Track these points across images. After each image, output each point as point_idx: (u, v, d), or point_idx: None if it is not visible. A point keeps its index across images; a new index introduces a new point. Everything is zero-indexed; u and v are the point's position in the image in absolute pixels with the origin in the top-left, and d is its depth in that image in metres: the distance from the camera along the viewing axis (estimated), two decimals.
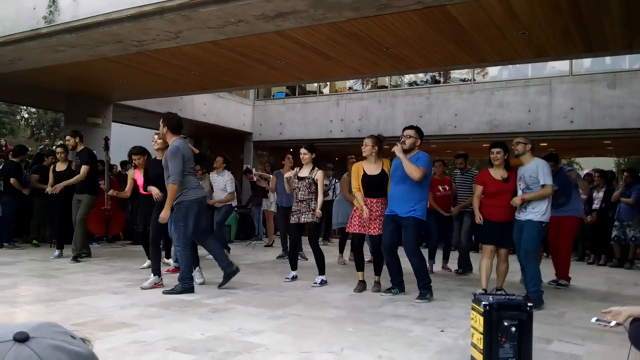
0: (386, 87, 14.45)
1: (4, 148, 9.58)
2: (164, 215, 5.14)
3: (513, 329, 2.81)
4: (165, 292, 5.07)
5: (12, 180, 8.53)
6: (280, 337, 3.61)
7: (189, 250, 5.26)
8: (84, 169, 7.29)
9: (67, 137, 7.60)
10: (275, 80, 10.92)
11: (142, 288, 5.28)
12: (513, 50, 7.52)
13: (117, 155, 11.57)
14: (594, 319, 2.69)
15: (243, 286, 5.65)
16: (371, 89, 14.97)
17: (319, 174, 6.00)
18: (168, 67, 8.85)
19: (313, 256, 6.04)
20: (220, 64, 8.61)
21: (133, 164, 6.96)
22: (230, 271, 5.43)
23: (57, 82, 10.24)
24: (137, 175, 6.77)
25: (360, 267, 5.71)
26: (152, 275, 5.44)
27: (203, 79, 9.92)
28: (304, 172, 6.07)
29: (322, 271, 5.98)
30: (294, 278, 6.14)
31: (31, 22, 7.19)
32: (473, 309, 2.99)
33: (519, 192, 5.07)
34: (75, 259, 7.12)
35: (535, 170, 4.98)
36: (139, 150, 6.77)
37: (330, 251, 8.10)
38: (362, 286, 5.62)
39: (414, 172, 4.99)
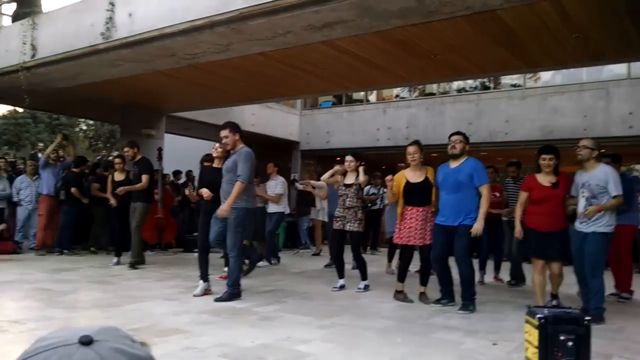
0: (434, 94, 14.29)
1: (61, 159, 10.01)
2: (223, 213, 5.17)
3: (570, 343, 2.71)
4: (216, 300, 5.16)
5: (73, 189, 8.93)
6: (328, 346, 3.61)
7: (242, 256, 5.37)
8: (145, 177, 7.57)
9: (126, 148, 7.88)
10: (322, 90, 11.01)
11: (194, 295, 5.40)
12: (567, 54, 7.29)
13: (169, 165, 11.93)
14: None
15: (292, 295, 5.68)
16: (419, 96, 14.85)
17: (362, 177, 5.98)
18: (218, 78, 9.07)
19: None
20: (268, 74, 8.76)
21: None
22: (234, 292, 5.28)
23: (114, 95, 10.66)
24: None
25: (401, 277, 5.59)
26: (200, 282, 5.55)
27: (251, 90, 10.10)
28: (349, 179, 6.06)
29: (364, 277, 6.06)
30: (342, 287, 6.11)
31: (90, 39, 7.53)
32: (527, 322, 2.90)
33: (581, 201, 4.75)
34: (133, 265, 7.38)
35: (604, 179, 4.64)
36: (208, 158, 6.85)
37: (377, 260, 8.05)
38: (401, 296, 5.51)
39: (487, 202, 5.00)
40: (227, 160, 5.45)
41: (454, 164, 5.20)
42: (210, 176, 5.89)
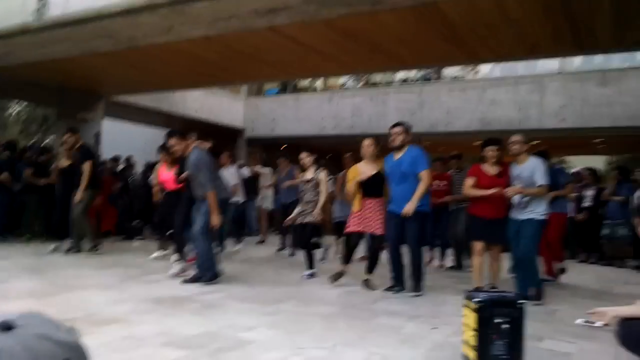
0: (378, 84, 14.45)
1: None
2: (215, 222, 5.47)
3: (505, 326, 2.83)
4: (185, 281, 5.43)
5: (2, 176, 8.46)
6: (273, 332, 3.61)
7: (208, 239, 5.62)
8: (86, 165, 7.36)
9: (68, 135, 7.63)
10: (267, 77, 10.90)
11: (171, 274, 5.78)
12: (505, 47, 7.53)
13: (110, 151, 11.51)
14: (580, 320, 2.72)
15: (236, 282, 5.64)
16: (363, 86, 14.98)
17: (321, 175, 6.21)
18: (160, 62, 8.79)
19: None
20: (212, 59, 8.56)
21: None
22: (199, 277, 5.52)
23: (48, 77, 10.14)
24: (161, 171, 7.08)
25: (346, 260, 5.74)
26: (175, 263, 5.99)
27: (195, 75, 9.86)
28: (308, 174, 6.28)
29: (311, 265, 6.29)
30: (313, 275, 6.25)
31: (22, 17, 7.10)
32: (465, 305, 3.00)
33: None
34: (69, 251, 7.33)
35: (532, 170, 4.98)
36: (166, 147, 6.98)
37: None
38: (338, 275, 5.68)
39: (425, 187, 5.18)
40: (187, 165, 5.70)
41: (397, 155, 5.39)
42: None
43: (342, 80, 15.25)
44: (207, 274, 5.46)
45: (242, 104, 15.78)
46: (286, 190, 8.41)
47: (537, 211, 4.98)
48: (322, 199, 6.16)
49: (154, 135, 16.14)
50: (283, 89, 15.87)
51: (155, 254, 7.07)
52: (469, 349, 2.90)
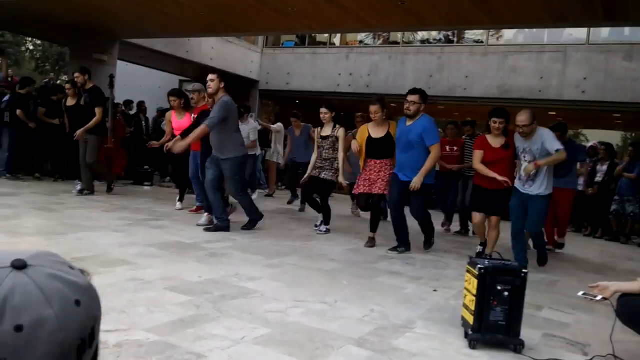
0: (398, 43, 14.16)
1: (9, 79, 9.45)
2: (180, 148, 5.62)
3: (506, 293, 2.84)
4: (206, 229, 5.64)
5: (18, 112, 8.49)
6: (275, 284, 3.67)
7: (247, 196, 6.02)
8: (98, 111, 7.35)
9: (76, 74, 7.53)
10: (285, 28, 10.70)
11: (198, 225, 5.89)
12: (531, 13, 7.31)
13: (121, 94, 11.47)
14: (580, 293, 2.73)
15: (242, 234, 5.70)
16: (382, 44, 14.68)
17: (340, 132, 6.11)
18: (177, 6, 8.64)
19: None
20: (231, 6, 8.40)
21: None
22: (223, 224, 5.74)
23: (64, 15, 10.02)
24: (173, 118, 7.00)
25: (373, 227, 5.67)
26: (205, 214, 6.14)
27: (212, 22, 9.70)
28: (326, 131, 6.20)
29: (327, 222, 6.27)
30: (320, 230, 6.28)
31: None
32: (468, 271, 3.02)
33: (524, 164, 4.89)
34: (82, 192, 7.43)
35: (542, 141, 4.75)
36: (175, 92, 7.07)
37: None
38: (372, 242, 5.64)
39: (434, 161, 5.19)
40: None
41: (408, 123, 5.28)
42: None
43: (360, 37, 14.94)
44: (224, 223, 5.70)
45: (258, 55, 15.57)
46: (302, 150, 8.45)
47: (544, 186, 4.86)
48: (341, 155, 6.08)
49: (167, 80, 16.07)
50: (301, 42, 15.60)
51: (178, 205, 7.12)
52: (467, 314, 2.94)
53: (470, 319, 2.88)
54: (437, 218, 6.62)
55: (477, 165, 5.23)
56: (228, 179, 5.68)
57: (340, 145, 6.10)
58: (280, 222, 6.86)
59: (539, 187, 4.85)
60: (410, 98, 5.24)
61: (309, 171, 6.39)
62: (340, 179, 6.13)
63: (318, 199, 6.45)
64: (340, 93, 14.22)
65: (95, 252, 4.13)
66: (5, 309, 0.53)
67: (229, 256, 4.48)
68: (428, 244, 5.60)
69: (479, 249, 5.63)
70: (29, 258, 0.59)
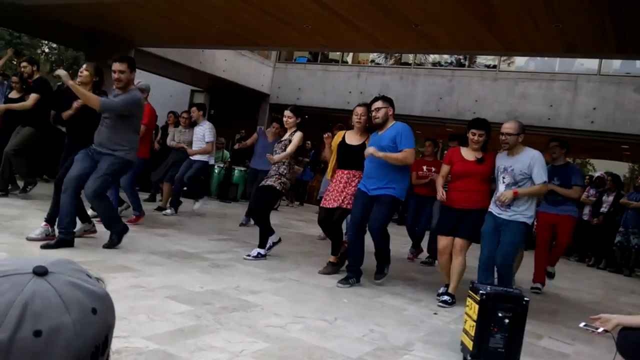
0: (409, 64, 14.26)
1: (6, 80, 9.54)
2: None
3: (506, 320, 2.84)
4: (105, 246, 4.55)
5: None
6: (276, 299, 3.67)
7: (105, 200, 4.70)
8: (32, 97, 6.59)
9: (24, 64, 6.90)
10: (298, 44, 10.81)
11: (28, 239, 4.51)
12: (544, 42, 7.37)
13: None
14: (582, 324, 2.72)
15: (245, 246, 5.71)
16: (394, 64, 14.79)
17: (296, 135, 5.29)
18: (193, 17, 8.76)
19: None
20: (246, 20, 8.51)
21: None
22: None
23: (79, 20, 10.18)
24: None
25: (335, 250, 5.02)
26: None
27: (226, 34, 9.82)
28: (286, 135, 5.46)
29: (262, 244, 5.19)
30: (271, 245, 5.37)
31: None
32: (469, 296, 3.02)
33: (501, 187, 4.25)
34: (24, 189, 6.73)
35: (529, 165, 4.14)
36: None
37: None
38: (329, 268, 4.96)
39: (401, 160, 4.47)
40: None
41: (380, 132, 4.71)
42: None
43: (372, 56, 15.06)
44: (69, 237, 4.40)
45: (270, 69, 15.72)
46: (261, 157, 7.26)
47: (524, 212, 4.17)
48: (284, 154, 5.18)
49: (179, 90, 16.22)
50: (314, 59, 15.74)
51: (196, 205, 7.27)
52: (467, 339, 2.93)
53: (470, 345, 2.87)
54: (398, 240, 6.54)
55: (439, 177, 4.66)
56: (98, 176, 4.42)
57: (291, 146, 5.21)
58: (284, 237, 6.86)
59: (517, 212, 4.17)
60: (375, 105, 4.67)
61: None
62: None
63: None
64: (350, 110, 14.21)
65: (98, 257, 4.15)
66: (26, 314, 0.55)
67: (232, 268, 4.49)
68: (380, 273, 4.73)
69: (442, 289, 4.58)
70: (50, 265, 0.61)
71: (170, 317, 2.91)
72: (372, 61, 15.16)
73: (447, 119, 12.33)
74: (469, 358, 2.84)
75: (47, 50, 29.31)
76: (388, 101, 4.72)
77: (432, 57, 14.18)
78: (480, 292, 2.87)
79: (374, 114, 4.66)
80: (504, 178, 4.25)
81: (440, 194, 4.43)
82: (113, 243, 4.55)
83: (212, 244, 5.54)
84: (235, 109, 16.16)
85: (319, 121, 14.39)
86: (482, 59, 13.48)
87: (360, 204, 4.60)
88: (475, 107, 12.63)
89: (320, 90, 14.85)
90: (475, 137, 4.42)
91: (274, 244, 5.37)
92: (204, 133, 7.48)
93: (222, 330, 2.82)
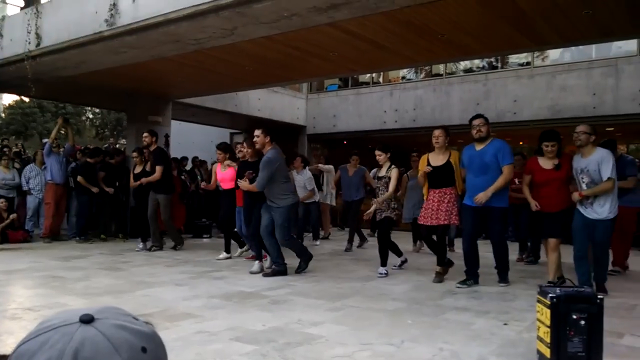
0: (441, 75, 14.14)
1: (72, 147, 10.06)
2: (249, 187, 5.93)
3: (582, 322, 2.70)
4: (265, 275, 5.84)
5: (79, 178, 9.01)
6: (339, 328, 3.62)
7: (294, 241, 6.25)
8: (158, 169, 7.84)
9: (145, 134, 8.11)
10: (328, 73, 10.91)
11: (251, 272, 6.02)
12: (576, 30, 7.16)
13: (177, 151, 11.94)
14: None
15: (301, 278, 5.71)
16: (425, 77, 14.70)
17: (393, 172, 6.05)
18: (224, 64, 9.00)
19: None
20: (274, 58, 8.68)
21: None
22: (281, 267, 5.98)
23: (119, 83, 10.63)
24: (217, 169, 7.37)
25: (440, 261, 5.63)
26: (256, 262, 6.21)
27: (258, 74, 10.03)
28: (382, 172, 6.19)
29: (384, 263, 6.06)
30: (386, 274, 5.98)
31: (94, 26, 7.48)
32: (539, 301, 2.89)
33: (582, 186, 4.81)
34: (150, 249, 7.97)
35: (599, 163, 4.68)
36: (222, 146, 7.37)
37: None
38: (439, 277, 5.58)
39: (505, 180, 5.11)
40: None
41: (479, 147, 5.31)
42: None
43: (403, 72, 15.03)
44: (281, 267, 5.92)
45: (304, 101, 15.91)
46: (354, 191, 8.54)
47: (607, 209, 4.72)
48: (389, 192, 5.96)
49: (219, 134, 16.61)
50: (344, 85, 15.85)
51: (221, 256, 7.23)
52: (543, 346, 2.80)
53: (547, 352, 2.74)
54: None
55: (524, 188, 5.20)
56: (277, 226, 5.84)
57: (391, 184, 5.97)
58: (338, 264, 6.82)
59: (602, 211, 4.73)
60: (476, 122, 5.32)
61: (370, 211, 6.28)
62: (379, 201, 5.99)
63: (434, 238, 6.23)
64: (387, 130, 14.24)
65: (161, 307, 4.22)
66: None
67: (291, 302, 4.48)
68: (502, 278, 5.37)
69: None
70: (96, 312, 0.63)
71: (237, 359, 2.91)
72: (403, 77, 15.12)
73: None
74: None
75: (90, 115, 30.73)
76: (486, 119, 5.37)
77: (464, 64, 14.02)
78: (550, 295, 2.75)
79: (477, 129, 5.28)
80: (582, 179, 4.78)
81: (534, 205, 5.02)
82: (303, 268, 6.03)
83: (268, 280, 5.56)
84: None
85: (358, 144, 14.38)
86: (515, 58, 13.21)
87: (470, 216, 5.25)
88: (514, 107, 12.35)
89: (355, 114, 14.89)
90: (549, 148, 4.97)
91: (403, 263, 6.53)
92: (304, 182, 8.73)
93: None
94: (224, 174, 7.18)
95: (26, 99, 25.13)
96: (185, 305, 4.30)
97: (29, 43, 8.29)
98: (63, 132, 10.32)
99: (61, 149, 9.59)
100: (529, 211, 5.33)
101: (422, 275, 5.77)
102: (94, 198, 9.24)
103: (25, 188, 9.28)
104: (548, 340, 2.73)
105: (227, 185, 7.13)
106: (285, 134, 15.79)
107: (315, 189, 9.10)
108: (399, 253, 6.43)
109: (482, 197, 5.07)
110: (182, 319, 3.82)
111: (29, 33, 8.28)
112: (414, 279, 5.68)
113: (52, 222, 8.99)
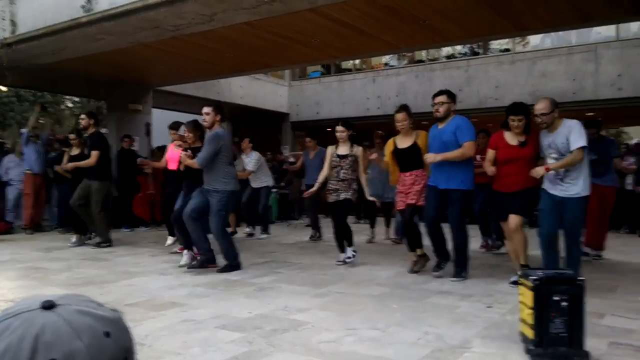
0: (423, 61, 14.16)
1: (51, 137, 9.88)
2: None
3: (564, 303, 2.74)
4: (190, 267, 5.38)
5: (56, 167, 8.79)
6: (325, 314, 3.64)
7: (227, 235, 5.54)
8: (93, 154, 7.11)
9: (82, 116, 7.51)
10: (310, 59, 10.84)
11: (180, 266, 5.53)
12: (555, 15, 7.21)
13: (158, 140, 11.80)
14: None
15: (286, 265, 5.71)
16: (408, 64, 14.71)
17: (359, 150, 5.75)
18: (204, 50, 8.90)
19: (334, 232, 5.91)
20: (255, 45, 8.60)
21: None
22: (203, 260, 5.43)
23: (98, 71, 10.45)
24: (170, 149, 6.85)
25: (412, 244, 5.32)
26: (185, 251, 5.73)
27: (238, 61, 9.94)
28: (343, 150, 5.78)
29: (350, 243, 5.82)
30: (345, 261, 5.77)
31: (70, 12, 7.33)
32: (521, 284, 2.93)
33: (549, 161, 4.32)
34: (99, 245, 7.18)
35: (567, 134, 4.18)
36: (174, 125, 6.96)
37: (361, 231, 8.06)
38: (418, 264, 5.27)
39: (460, 156, 4.72)
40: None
41: (440, 125, 4.99)
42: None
43: (385, 59, 15.01)
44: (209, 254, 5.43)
45: (286, 88, 15.82)
46: (316, 173, 8.05)
47: (580, 185, 4.20)
48: (362, 175, 5.74)
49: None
50: (327, 72, 15.79)
51: (169, 242, 7.06)
52: (526, 328, 2.84)
53: (530, 333, 2.78)
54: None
55: (485, 164, 4.77)
56: (213, 214, 5.27)
57: (361, 165, 5.74)
58: (323, 251, 6.84)
59: (574, 189, 4.21)
60: (436, 99, 4.96)
61: (314, 188, 6.10)
62: (367, 196, 5.82)
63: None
64: (370, 116, 14.25)
65: (146, 296, 4.20)
66: (38, 346, 0.57)
67: (277, 289, 4.48)
68: (458, 273, 4.88)
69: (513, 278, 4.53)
70: (57, 299, 0.63)
71: (223, 347, 2.91)
72: (386, 64, 15.10)
73: (470, 110, 12.10)
74: (531, 347, 2.75)
75: (70, 104, 30.20)
76: (451, 96, 5.01)
77: (446, 51, 14.04)
78: (532, 277, 2.78)
79: (435, 107, 4.94)
80: (550, 154, 4.32)
81: (490, 170, 4.65)
82: (225, 270, 5.29)
83: (254, 268, 5.55)
84: (258, 133, 16.29)
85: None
86: (497, 44, 13.27)
87: (433, 199, 4.94)
88: (496, 93, 12.43)
89: (338, 102, 14.86)
90: (515, 123, 4.53)
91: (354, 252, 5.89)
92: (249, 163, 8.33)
93: (276, 353, 2.81)
94: (173, 154, 6.54)
95: (3, 88, 24.57)
96: (170, 294, 4.28)
97: (4, 30, 8.10)
98: (42, 122, 10.10)
99: (39, 140, 9.42)
100: (488, 190, 5.07)
101: (407, 261, 5.80)
102: (75, 188, 9.06)
103: (4, 179, 9.11)
104: (531, 321, 2.77)
105: (172, 166, 6.53)
106: (268, 122, 15.73)
107: (269, 174, 8.77)
108: (350, 245, 5.87)
109: (431, 156, 4.77)
110: (167, 307, 3.80)
111: (4, 20, 8.08)
112: (399, 265, 5.71)
113: (32, 213, 8.83)
